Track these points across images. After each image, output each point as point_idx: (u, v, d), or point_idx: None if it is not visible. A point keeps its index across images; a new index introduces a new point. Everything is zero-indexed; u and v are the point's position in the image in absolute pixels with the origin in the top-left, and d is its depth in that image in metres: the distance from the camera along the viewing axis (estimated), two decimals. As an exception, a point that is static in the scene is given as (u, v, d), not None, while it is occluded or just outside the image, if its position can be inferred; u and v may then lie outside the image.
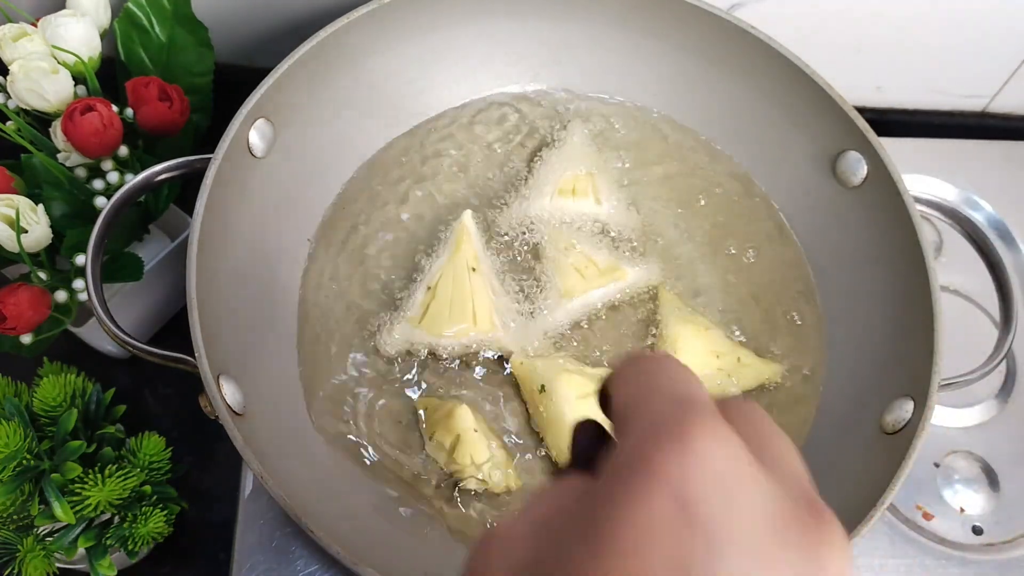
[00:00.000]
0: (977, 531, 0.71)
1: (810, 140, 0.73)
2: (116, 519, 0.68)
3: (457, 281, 0.67)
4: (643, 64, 0.78)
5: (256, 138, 0.66)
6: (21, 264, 0.67)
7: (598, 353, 0.69)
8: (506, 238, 0.72)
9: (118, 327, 0.59)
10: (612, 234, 0.73)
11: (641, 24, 0.75)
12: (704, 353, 0.67)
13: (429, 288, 0.67)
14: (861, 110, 0.69)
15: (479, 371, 0.68)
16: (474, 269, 0.67)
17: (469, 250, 0.68)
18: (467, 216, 0.69)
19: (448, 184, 0.75)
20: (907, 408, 0.60)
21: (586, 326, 0.69)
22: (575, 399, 0.64)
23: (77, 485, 0.65)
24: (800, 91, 0.71)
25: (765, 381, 0.68)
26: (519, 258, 0.72)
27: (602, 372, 0.67)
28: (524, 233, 0.72)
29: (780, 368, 0.69)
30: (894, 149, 0.68)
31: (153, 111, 0.69)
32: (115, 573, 0.68)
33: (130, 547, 0.68)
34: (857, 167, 0.70)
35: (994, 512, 0.72)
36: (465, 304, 0.66)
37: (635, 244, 0.73)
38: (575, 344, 0.69)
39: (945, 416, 0.76)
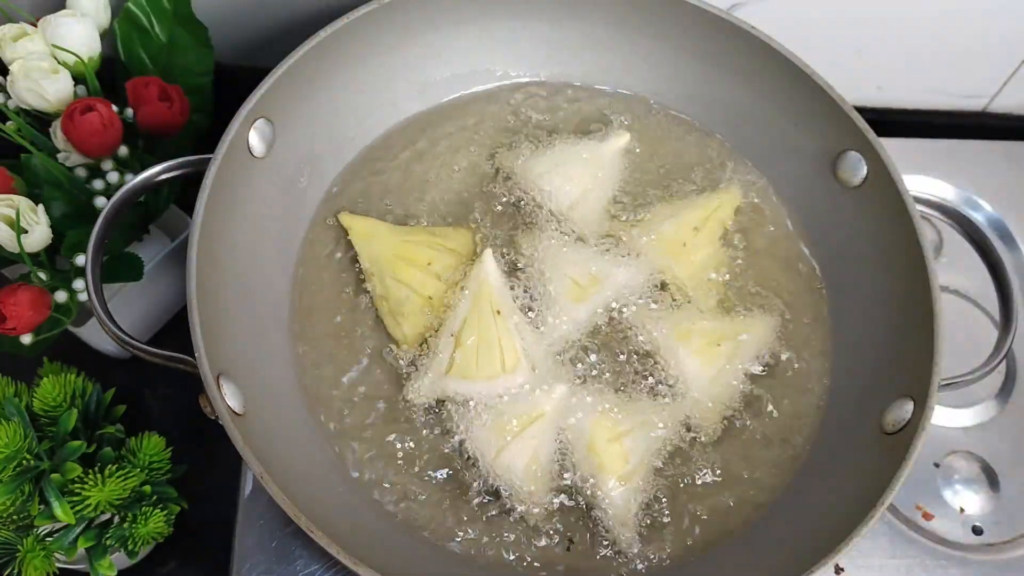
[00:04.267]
0: (977, 531, 0.71)
1: (810, 140, 0.73)
2: (116, 519, 0.68)
3: (483, 327, 0.64)
4: (643, 64, 0.78)
5: (256, 138, 0.66)
6: (21, 264, 0.67)
7: (613, 368, 0.68)
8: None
9: (118, 327, 0.59)
10: (609, 238, 0.73)
11: (641, 24, 0.75)
12: (705, 350, 0.67)
13: (452, 335, 0.65)
14: (861, 110, 0.69)
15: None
16: (499, 312, 0.65)
17: (492, 293, 0.66)
18: (488, 257, 0.66)
19: (447, 184, 0.75)
20: (907, 408, 0.61)
21: (598, 335, 0.69)
22: (606, 442, 0.63)
23: (77, 485, 0.65)
24: (800, 91, 0.71)
25: (773, 335, 0.69)
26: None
27: (636, 405, 0.65)
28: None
29: (775, 318, 0.70)
30: (894, 149, 0.68)
31: (153, 111, 0.69)
32: (115, 573, 0.68)
33: (130, 547, 0.68)
34: (857, 167, 0.70)
35: (994, 512, 0.72)
36: (492, 351, 0.64)
37: (628, 246, 0.72)
38: (590, 360, 0.68)
39: (945, 416, 0.76)
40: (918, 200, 0.66)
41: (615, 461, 0.62)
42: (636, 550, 0.62)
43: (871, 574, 0.69)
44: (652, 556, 0.62)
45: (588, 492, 0.63)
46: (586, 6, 0.75)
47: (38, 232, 0.64)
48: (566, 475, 0.63)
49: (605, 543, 0.62)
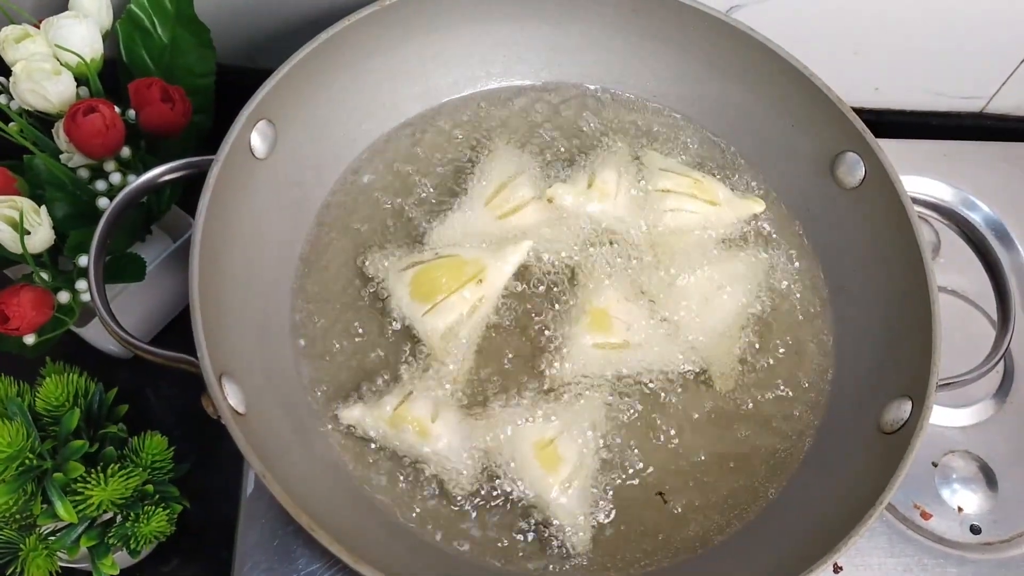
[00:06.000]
0: (975, 530, 0.72)
1: (808, 141, 0.73)
2: (118, 518, 0.69)
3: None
4: (642, 66, 0.78)
5: (258, 139, 0.66)
6: (24, 265, 0.67)
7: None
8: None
9: (120, 327, 0.59)
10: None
11: (640, 26, 0.76)
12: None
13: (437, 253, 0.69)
14: (859, 111, 0.69)
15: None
16: (483, 297, 0.68)
17: (501, 279, 0.69)
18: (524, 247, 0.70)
19: (442, 185, 0.76)
20: (905, 408, 0.61)
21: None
22: (536, 449, 0.62)
23: (80, 484, 0.65)
24: (798, 92, 0.71)
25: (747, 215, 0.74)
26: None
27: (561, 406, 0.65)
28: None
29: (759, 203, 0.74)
30: (892, 150, 0.68)
31: (155, 112, 0.70)
32: (117, 572, 0.69)
33: (132, 546, 0.68)
34: (855, 168, 0.70)
35: (992, 511, 0.72)
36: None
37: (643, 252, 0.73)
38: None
39: (943, 416, 0.76)
40: (916, 201, 0.67)
41: (551, 467, 0.62)
42: (590, 553, 0.62)
43: (870, 573, 0.69)
44: (647, 557, 0.63)
45: (533, 502, 0.62)
46: (586, 8, 0.76)
47: (41, 233, 0.64)
48: (514, 486, 0.63)
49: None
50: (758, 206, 0.74)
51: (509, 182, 0.73)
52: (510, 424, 0.63)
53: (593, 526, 0.63)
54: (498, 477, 0.63)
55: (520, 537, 0.62)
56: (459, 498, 0.63)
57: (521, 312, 0.70)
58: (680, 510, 0.64)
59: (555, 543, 0.62)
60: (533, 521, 0.63)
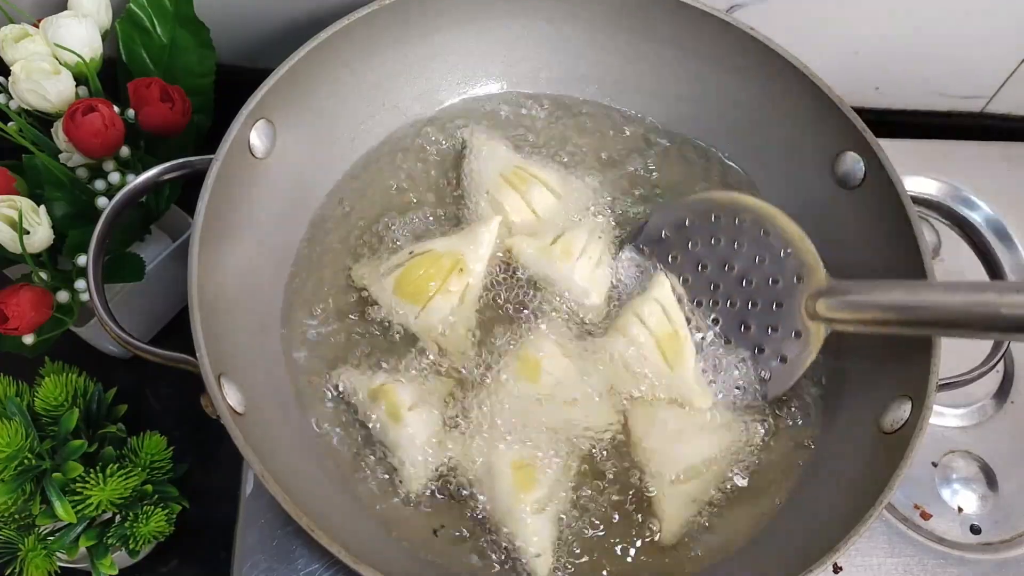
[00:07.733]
0: (975, 530, 0.72)
1: (809, 141, 0.73)
2: (117, 518, 0.69)
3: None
4: (642, 65, 0.78)
5: (257, 139, 0.66)
6: (23, 264, 0.67)
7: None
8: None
9: (119, 327, 0.59)
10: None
11: (640, 26, 0.76)
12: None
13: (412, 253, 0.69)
14: (860, 111, 0.69)
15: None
16: (468, 284, 0.68)
17: (480, 264, 0.69)
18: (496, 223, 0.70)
19: (441, 184, 0.76)
20: (905, 408, 0.61)
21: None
22: (512, 468, 0.61)
23: (78, 484, 0.65)
24: (799, 92, 0.71)
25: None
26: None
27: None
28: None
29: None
30: (892, 150, 0.68)
31: (155, 112, 0.69)
32: (116, 572, 0.69)
33: (131, 546, 0.68)
34: (856, 168, 0.70)
35: (992, 511, 0.72)
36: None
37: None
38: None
39: (943, 416, 0.76)
40: (916, 200, 0.67)
41: (525, 486, 0.61)
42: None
43: (869, 573, 0.69)
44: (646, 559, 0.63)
45: (497, 517, 0.61)
46: (586, 8, 0.76)
47: (40, 233, 0.64)
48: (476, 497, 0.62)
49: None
50: (704, 402, 0.66)
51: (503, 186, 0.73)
52: (488, 445, 0.63)
53: (557, 554, 0.61)
54: (456, 483, 0.63)
55: (478, 556, 0.62)
56: (409, 497, 0.62)
57: (508, 298, 0.70)
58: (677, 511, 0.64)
59: (515, 565, 0.61)
60: (493, 538, 0.62)
